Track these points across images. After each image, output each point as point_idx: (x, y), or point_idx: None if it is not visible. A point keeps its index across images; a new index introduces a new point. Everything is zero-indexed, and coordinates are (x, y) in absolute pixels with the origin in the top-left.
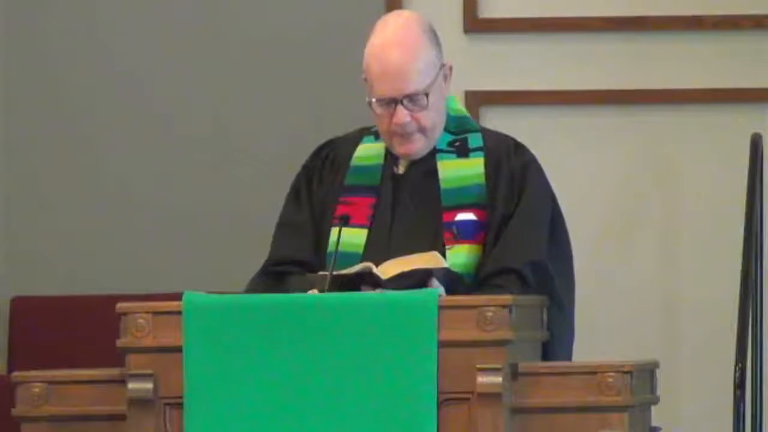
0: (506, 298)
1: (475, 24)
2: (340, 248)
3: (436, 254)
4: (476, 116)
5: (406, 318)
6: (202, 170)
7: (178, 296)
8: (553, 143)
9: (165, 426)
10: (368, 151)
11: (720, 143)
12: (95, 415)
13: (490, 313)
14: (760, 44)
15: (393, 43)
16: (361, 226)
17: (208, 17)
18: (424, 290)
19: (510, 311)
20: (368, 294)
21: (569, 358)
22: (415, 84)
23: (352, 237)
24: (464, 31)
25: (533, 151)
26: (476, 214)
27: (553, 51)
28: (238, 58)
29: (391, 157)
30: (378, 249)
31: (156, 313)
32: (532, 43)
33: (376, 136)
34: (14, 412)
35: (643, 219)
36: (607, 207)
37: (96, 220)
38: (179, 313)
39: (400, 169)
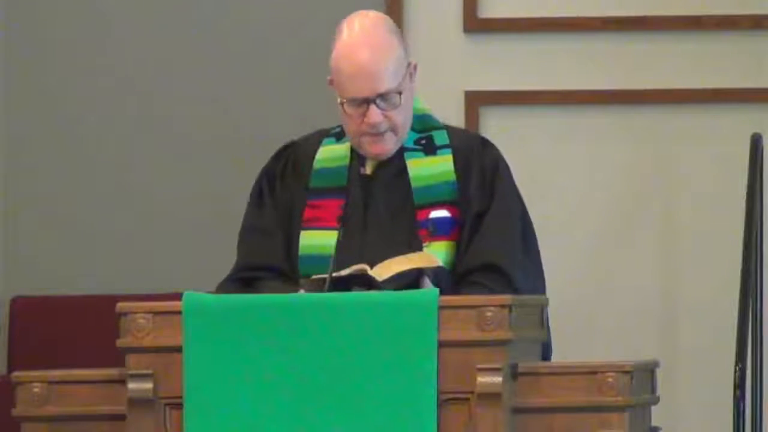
0: (506, 298)
1: (475, 24)
2: (310, 252)
3: (430, 254)
4: (476, 116)
5: (406, 318)
6: (203, 170)
7: (178, 296)
8: (552, 143)
9: (165, 426)
10: (331, 153)
11: (720, 143)
12: (95, 415)
13: (489, 313)
14: (760, 44)
15: (362, 43)
16: (331, 228)
17: (208, 17)
18: (423, 290)
19: (510, 311)
20: (368, 294)
21: (549, 357)
22: (388, 83)
23: (321, 239)
24: (464, 31)
25: (534, 151)
26: (450, 211)
27: (553, 51)
28: (238, 57)
29: (357, 158)
30: (350, 250)
31: (156, 313)
32: (532, 43)
33: (337, 138)
34: (14, 412)
35: (643, 219)
36: (607, 207)
37: (96, 220)
38: (179, 313)
39: (368, 170)
